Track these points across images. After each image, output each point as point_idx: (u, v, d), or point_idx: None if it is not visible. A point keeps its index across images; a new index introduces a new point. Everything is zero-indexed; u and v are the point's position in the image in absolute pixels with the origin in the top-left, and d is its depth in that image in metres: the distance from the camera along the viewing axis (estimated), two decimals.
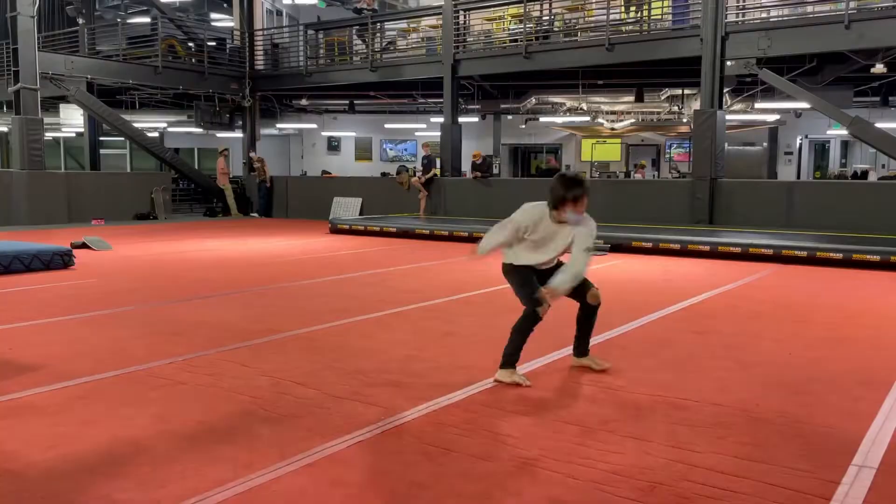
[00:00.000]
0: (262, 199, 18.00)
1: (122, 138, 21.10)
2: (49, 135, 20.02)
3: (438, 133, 15.75)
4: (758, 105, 16.18)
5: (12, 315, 5.67)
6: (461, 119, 16.07)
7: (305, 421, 3.31)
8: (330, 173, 20.12)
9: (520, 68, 14.57)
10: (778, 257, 9.14)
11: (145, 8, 22.77)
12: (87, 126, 19.02)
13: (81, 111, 17.64)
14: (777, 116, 17.97)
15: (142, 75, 16.78)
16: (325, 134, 24.91)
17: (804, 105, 14.73)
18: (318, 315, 5.74)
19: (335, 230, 13.45)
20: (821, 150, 20.93)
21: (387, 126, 23.49)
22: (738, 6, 12.76)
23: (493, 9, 15.97)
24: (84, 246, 10.16)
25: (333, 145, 25.48)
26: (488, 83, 18.35)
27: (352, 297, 6.64)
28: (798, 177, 19.76)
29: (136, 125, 18.17)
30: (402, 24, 18.26)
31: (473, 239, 11.58)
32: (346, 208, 16.69)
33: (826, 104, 12.22)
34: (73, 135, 22.15)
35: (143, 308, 6.04)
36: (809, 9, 12.15)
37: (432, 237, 12.08)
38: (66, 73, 15.24)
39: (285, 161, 26.14)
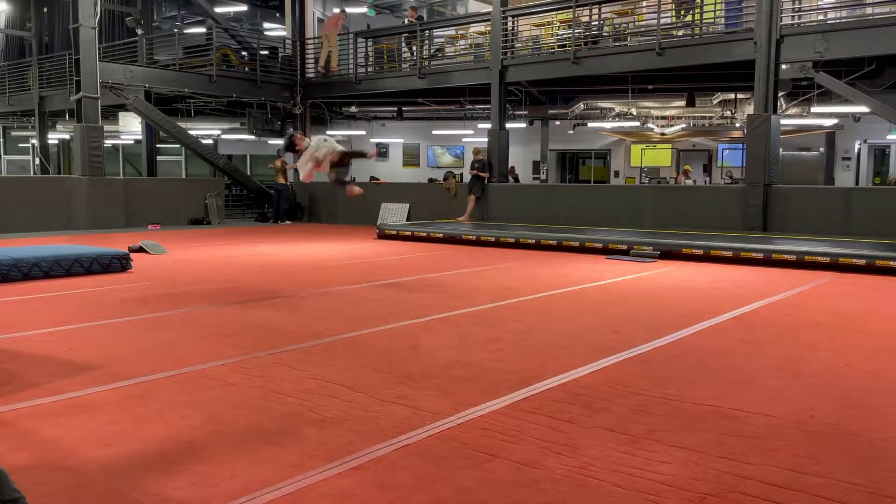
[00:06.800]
0: (285, 204, 18.17)
1: (178, 145, 21.72)
2: (108, 142, 20.68)
3: (486, 139, 15.76)
4: (814, 109, 15.77)
5: (73, 316, 5.87)
6: (509, 125, 16.05)
7: (352, 424, 3.35)
8: (378, 179, 20.31)
9: (568, 74, 14.48)
10: (835, 265, 8.88)
11: (201, 18, 23.37)
12: (145, 133, 19.60)
13: (139, 119, 18.18)
14: (835, 121, 17.48)
15: (197, 84, 17.21)
16: (374, 140, 25.16)
17: (863, 109, 14.31)
18: (365, 319, 5.80)
19: (383, 235, 13.57)
20: (880, 155, 20.28)
21: (434, 132, 23.62)
22: (793, 8, 12.47)
23: (541, 14, 15.92)
24: (141, 250, 10.46)
25: (382, 151, 25.74)
26: (536, 88, 18.30)
27: (398, 301, 6.69)
28: (856, 183, 19.18)
29: (191, 132, 18.65)
30: (451, 31, 18.35)
31: (521, 245, 11.57)
32: (394, 214, 16.83)
33: (886, 108, 11.85)
34: (132, 142, 22.84)
35: (196, 310, 6.19)
36: (869, 10, 11.81)
37: (479, 243, 12.09)
38: (125, 83, 15.72)
39: None
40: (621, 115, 18.38)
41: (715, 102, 17.26)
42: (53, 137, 23.05)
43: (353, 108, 21.82)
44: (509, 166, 20.37)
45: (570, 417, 3.46)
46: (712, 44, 12.80)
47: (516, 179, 20.20)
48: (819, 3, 13.71)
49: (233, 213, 20.62)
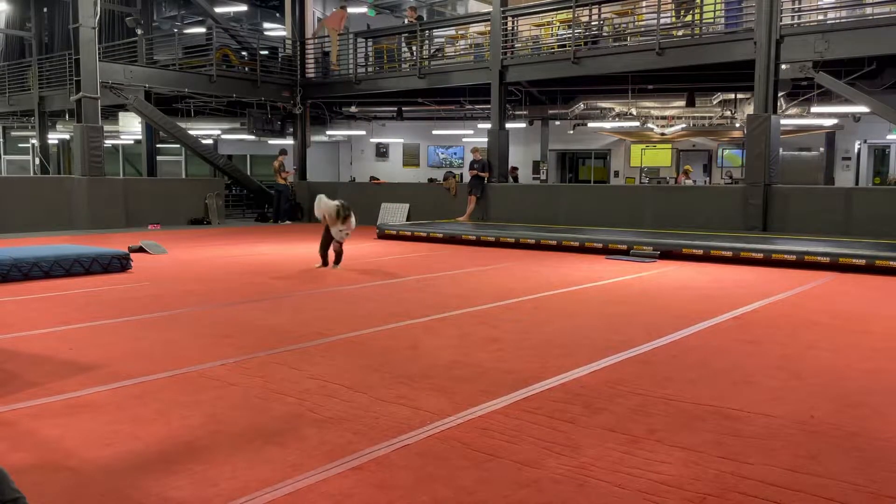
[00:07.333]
0: (285, 204, 18.16)
1: (178, 145, 21.71)
2: (108, 142, 20.68)
3: (486, 139, 15.76)
4: (814, 109, 15.77)
5: (73, 316, 5.87)
6: (509, 125, 16.05)
7: (352, 424, 3.35)
8: (378, 179, 20.32)
9: (568, 74, 14.48)
10: (835, 265, 8.88)
11: (201, 18, 23.36)
12: (145, 133, 19.59)
13: (139, 119, 18.18)
14: (834, 121, 17.47)
15: (197, 84, 17.20)
16: (374, 140, 25.17)
17: (863, 109, 14.31)
18: (365, 319, 5.80)
19: (383, 235, 13.56)
20: (880, 155, 20.28)
21: (434, 132, 23.62)
22: (793, 8, 12.47)
23: (541, 14, 15.92)
24: (141, 250, 10.46)
25: (382, 152, 25.74)
26: (536, 88, 18.30)
27: (398, 301, 6.69)
28: (856, 183, 19.18)
29: (191, 132, 18.64)
30: (451, 31, 18.35)
31: (521, 245, 11.58)
32: (394, 214, 16.83)
33: (886, 108, 11.85)
34: (132, 142, 22.83)
35: (196, 310, 6.19)
36: (869, 10, 11.81)
37: (479, 243, 12.09)
38: (125, 83, 15.72)
39: (335, 167, 26.52)
40: (621, 115, 18.37)
41: (715, 102, 17.25)
42: (53, 137, 23.03)
43: (353, 108, 21.82)
44: (511, 166, 20.39)
45: (570, 417, 3.46)
46: (712, 44, 12.80)
47: (516, 179, 20.18)
48: (819, 3, 13.70)
49: (233, 213, 20.61)
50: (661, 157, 21.84)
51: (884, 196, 11.83)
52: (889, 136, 18.66)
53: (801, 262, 9.07)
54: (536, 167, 22.71)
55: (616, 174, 22.65)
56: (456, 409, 3.55)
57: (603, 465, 2.89)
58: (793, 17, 12.37)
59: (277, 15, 23.89)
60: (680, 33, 13.95)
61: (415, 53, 17.15)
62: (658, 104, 17.99)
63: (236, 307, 6.39)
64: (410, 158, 25.43)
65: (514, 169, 20.70)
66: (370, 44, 18.59)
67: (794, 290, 7.46)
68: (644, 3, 14.98)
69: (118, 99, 15.95)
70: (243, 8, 24.00)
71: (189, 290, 7.28)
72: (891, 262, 8.57)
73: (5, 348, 4.77)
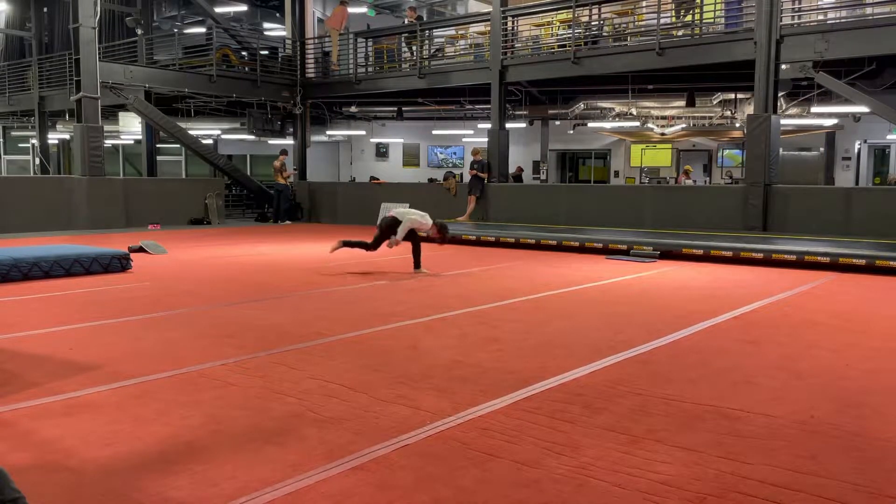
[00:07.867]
0: (285, 204, 18.17)
1: (178, 145, 21.70)
2: (108, 142, 20.67)
3: (486, 139, 15.76)
4: (814, 109, 15.77)
5: (73, 316, 5.87)
6: (509, 125, 16.04)
7: (352, 424, 3.35)
8: (378, 179, 20.33)
9: (568, 73, 14.47)
10: (835, 265, 8.88)
11: (201, 18, 23.36)
12: (145, 133, 19.59)
13: (139, 119, 18.18)
14: (835, 121, 17.48)
15: (197, 84, 17.20)
16: (374, 140, 25.17)
17: (863, 109, 14.31)
18: (365, 319, 5.80)
19: None
20: (880, 155, 20.28)
21: (434, 132, 23.63)
22: (793, 8, 12.47)
23: (541, 14, 15.92)
24: (141, 250, 10.46)
25: (382, 151, 25.74)
26: (536, 88, 18.30)
27: (398, 301, 6.69)
28: (856, 183, 19.18)
29: (191, 132, 18.64)
30: (451, 31, 18.35)
31: (521, 245, 11.57)
32: None
33: (886, 108, 11.84)
34: (132, 142, 22.83)
35: (196, 310, 6.19)
36: (869, 10, 11.81)
37: (479, 243, 12.09)
38: (125, 82, 15.71)
39: (335, 167, 26.53)
40: (621, 115, 18.37)
41: (715, 102, 17.25)
42: (53, 137, 23.03)
43: (353, 108, 21.82)
44: (518, 167, 20.35)
45: (570, 417, 3.46)
46: (712, 44, 12.79)
47: (519, 179, 20.18)
48: (819, 3, 13.70)
49: (233, 213, 20.62)
50: (661, 157, 21.85)
51: (884, 196, 11.82)
52: (889, 136, 18.67)
53: (801, 262, 9.07)
54: (536, 167, 22.73)
55: (616, 174, 22.65)
56: (456, 409, 3.55)
57: (603, 465, 2.89)
58: (793, 17, 12.36)
59: (277, 15, 23.89)
60: (680, 33, 13.95)
61: (415, 53, 17.15)
62: (658, 104, 17.99)
63: (236, 307, 6.39)
64: (410, 158, 25.44)
65: (520, 169, 20.72)
66: (370, 44, 18.58)
67: (794, 290, 7.46)
68: (644, 3, 14.98)
69: (118, 99, 15.94)
70: (243, 8, 24.00)
71: (189, 290, 7.28)
72: (891, 262, 8.56)
73: (5, 348, 4.77)
